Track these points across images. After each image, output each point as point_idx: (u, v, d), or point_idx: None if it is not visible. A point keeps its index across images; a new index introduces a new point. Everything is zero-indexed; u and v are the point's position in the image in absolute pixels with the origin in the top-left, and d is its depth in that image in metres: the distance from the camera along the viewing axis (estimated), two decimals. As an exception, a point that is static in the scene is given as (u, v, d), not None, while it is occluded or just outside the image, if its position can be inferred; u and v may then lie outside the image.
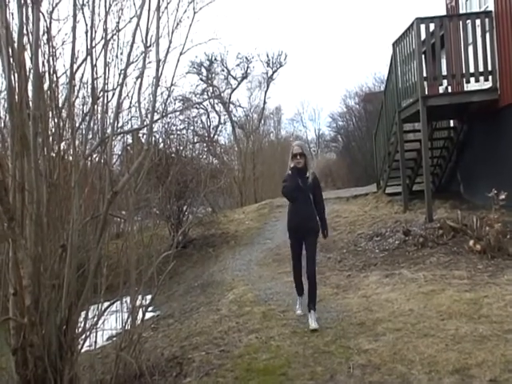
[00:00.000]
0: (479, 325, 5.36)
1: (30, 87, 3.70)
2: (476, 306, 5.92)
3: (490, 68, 10.31)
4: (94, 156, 4.40)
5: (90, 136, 4.22)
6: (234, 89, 35.10)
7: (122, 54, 4.57)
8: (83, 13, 4.15)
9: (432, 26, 10.81)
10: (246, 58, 34.59)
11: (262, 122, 36.22)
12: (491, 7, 10.53)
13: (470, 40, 10.42)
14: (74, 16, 3.89)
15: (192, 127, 16.13)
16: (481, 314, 5.66)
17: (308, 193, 6.36)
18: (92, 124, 4.21)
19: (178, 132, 14.69)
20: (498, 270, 7.27)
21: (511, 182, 9.16)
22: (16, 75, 3.53)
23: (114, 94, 4.43)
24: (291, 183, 6.32)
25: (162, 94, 6.59)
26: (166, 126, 13.75)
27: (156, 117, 5.55)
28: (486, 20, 10.33)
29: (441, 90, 11.20)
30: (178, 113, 14.43)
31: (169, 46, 4.43)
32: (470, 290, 6.54)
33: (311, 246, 6.43)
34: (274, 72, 36.11)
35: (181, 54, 4.60)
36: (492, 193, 8.26)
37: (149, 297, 5.17)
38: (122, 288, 4.49)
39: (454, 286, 6.77)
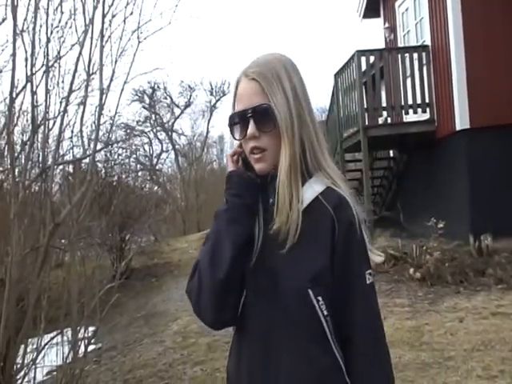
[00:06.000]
0: (421, 352, 5.45)
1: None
2: (417, 333, 6.02)
3: (427, 100, 10.67)
4: (34, 184, 4.30)
5: (30, 165, 4.11)
6: (177, 117, 35.07)
7: (63, 81, 4.50)
8: (23, 39, 4.08)
9: (372, 59, 11.13)
10: (190, 86, 34.65)
11: (205, 150, 36.22)
12: (428, 41, 10.96)
13: (408, 73, 10.77)
14: (14, 42, 3.81)
15: (135, 156, 16.00)
16: (422, 342, 5.76)
17: (302, 294, 1.47)
18: (32, 153, 4.11)
19: (121, 161, 14.53)
20: (438, 298, 7.43)
21: (448, 211, 9.45)
22: (-48, 103, 3.43)
23: (55, 123, 4.34)
24: (222, 262, 1.51)
25: (105, 122, 6.52)
26: (109, 155, 13.58)
27: (99, 146, 5.47)
28: (423, 54, 10.74)
29: (380, 120, 11.50)
30: (121, 142, 14.28)
31: (112, 75, 4.37)
32: (412, 317, 6.65)
33: None
34: (217, 101, 36.24)
35: (125, 83, 4.54)
36: (431, 222, 8.48)
37: (91, 329, 5.02)
38: (63, 320, 4.36)
39: (395, 313, 6.86)
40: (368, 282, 1.55)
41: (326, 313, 1.48)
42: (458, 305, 6.98)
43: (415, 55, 10.83)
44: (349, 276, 1.52)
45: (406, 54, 10.94)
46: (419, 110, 10.73)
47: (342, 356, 1.51)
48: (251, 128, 1.53)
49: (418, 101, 10.67)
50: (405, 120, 11.33)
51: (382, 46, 13.55)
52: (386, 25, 13.53)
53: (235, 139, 1.62)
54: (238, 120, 1.58)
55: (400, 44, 12.84)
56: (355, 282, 1.53)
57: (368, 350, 1.51)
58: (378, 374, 1.52)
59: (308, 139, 1.57)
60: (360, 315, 1.52)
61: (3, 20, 4.07)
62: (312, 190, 1.55)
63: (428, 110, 10.72)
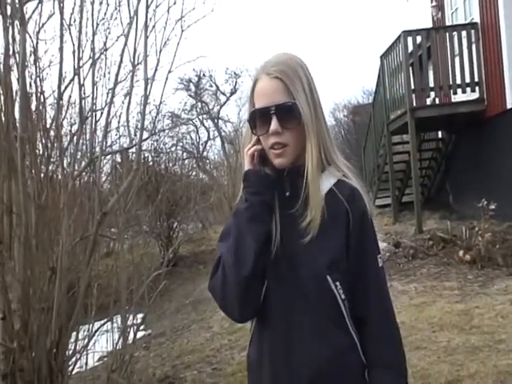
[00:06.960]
0: (471, 336, 5.37)
1: (16, 109, 3.69)
2: (467, 317, 5.93)
3: (476, 79, 10.42)
4: (83, 175, 4.39)
5: (79, 156, 4.20)
6: (223, 104, 35.13)
7: (109, 73, 4.57)
8: (70, 33, 4.15)
9: (419, 39, 10.92)
10: (235, 73, 34.63)
11: (252, 136, 36.14)
12: (477, 19, 10.68)
13: (457, 51, 10.52)
14: (61, 36, 3.88)
15: (181, 144, 16.14)
16: (472, 325, 5.67)
17: (321, 280, 1.56)
18: (80, 144, 4.19)
19: (168, 149, 14.70)
20: (488, 280, 7.29)
21: (498, 192, 9.23)
22: (2, 97, 3.51)
23: (102, 114, 4.42)
24: (243, 253, 1.55)
25: (150, 112, 6.60)
26: (155, 144, 13.75)
27: (145, 135, 5.55)
28: (472, 31, 10.48)
29: (428, 101, 11.30)
30: (167, 130, 14.44)
31: (157, 65, 4.41)
32: (461, 300, 6.55)
33: None
34: (263, 86, 35.92)
35: (169, 72, 4.58)
36: (482, 203, 8.30)
37: (140, 315, 5.13)
38: (113, 308, 4.46)
39: (444, 297, 6.78)
40: (380, 265, 1.65)
41: (343, 297, 1.58)
42: (509, 287, 6.84)
43: (463, 33, 10.57)
44: (363, 262, 1.62)
45: (454, 33, 10.66)
46: (468, 89, 10.49)
47: (357, 333, 1.62)
48: (274, 124, 1.58)
49: (467, 80, 10.43)
50: (453, 100, 11.11)
51: (429, 25, 13.26)
52: (433, 3, 13.24)
53: (255, 135, 1.66)
54: (259, 116, 1.62)
55: (448, 22, 12.55)
56: (369, 267, 1.63)
57: (381, 332, 1.63)
58: (390, 356, 1.64)
59: (322, 135, 1.63)
60: (374, 299, 1.62)
61: (51, 15, 4.14)
62: (327, 183, 1.63)
63: (477, 89, 10.47)
